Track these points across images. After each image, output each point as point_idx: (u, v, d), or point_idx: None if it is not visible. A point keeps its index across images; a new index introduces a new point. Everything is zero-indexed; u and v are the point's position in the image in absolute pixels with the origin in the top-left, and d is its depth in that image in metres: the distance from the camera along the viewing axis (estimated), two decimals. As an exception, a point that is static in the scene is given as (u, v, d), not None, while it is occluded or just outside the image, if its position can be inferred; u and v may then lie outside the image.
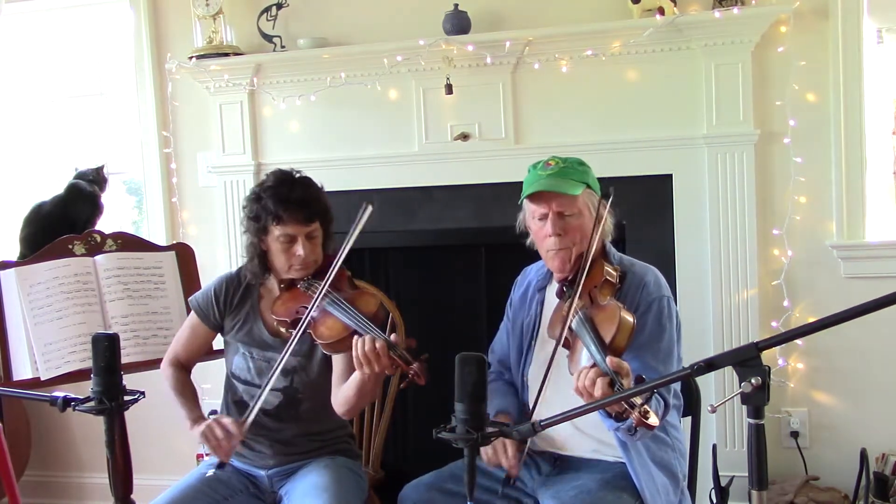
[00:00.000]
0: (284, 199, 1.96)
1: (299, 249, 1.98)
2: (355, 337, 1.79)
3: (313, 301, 1.90)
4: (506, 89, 2.83)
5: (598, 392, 1.51)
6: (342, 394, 1.95)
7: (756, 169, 2.68)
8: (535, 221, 1.92)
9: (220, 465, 1.92)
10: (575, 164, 1.90)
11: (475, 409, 1.31)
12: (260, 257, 2.07)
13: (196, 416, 2.01)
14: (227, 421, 1.90)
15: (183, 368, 2.20)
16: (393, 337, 1.77)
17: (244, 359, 2.11)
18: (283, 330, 1.99)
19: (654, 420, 1.44)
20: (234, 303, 2.14)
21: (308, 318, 1.88)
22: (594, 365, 1.59)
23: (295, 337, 1.89)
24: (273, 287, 2.10)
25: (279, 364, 1.90)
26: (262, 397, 1.91)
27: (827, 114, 2.66)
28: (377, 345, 1.74)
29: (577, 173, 1.88)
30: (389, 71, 2.84)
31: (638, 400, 1.46)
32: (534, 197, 1.89)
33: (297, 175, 2.05)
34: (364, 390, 1.89)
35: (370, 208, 1.92)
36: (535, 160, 1.96)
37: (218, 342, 2.27)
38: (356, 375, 1.86)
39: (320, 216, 2.02)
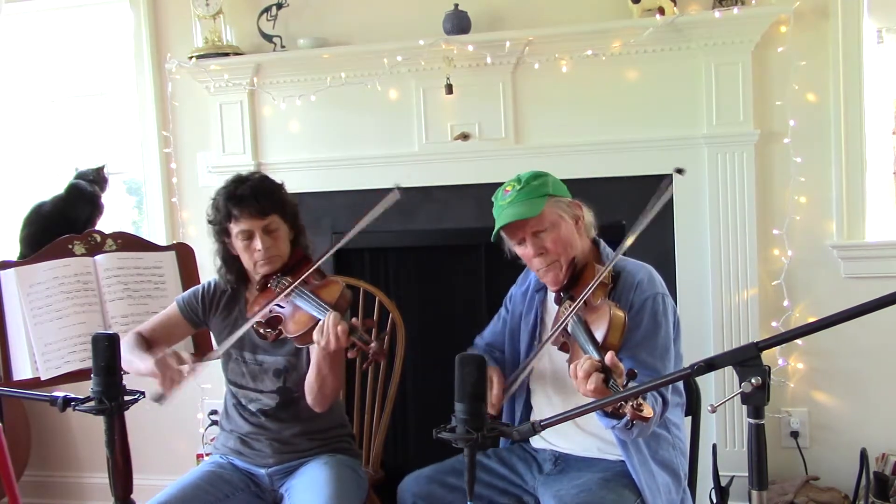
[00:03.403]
0: (234, 195, 1.98)
1: (258, 244, 1.99)
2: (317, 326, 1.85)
3: (280, 293, 1.95)
4: (506, 89, 2.83)
5: (591, 386, 1.52)
6: (307, 381, 2.00)
7: (756, 169, 2.68)
8: (516, 248, 1.94)
9: (158, 398, 1.86)
10: (530, 181, 1.88)
11: (475, 409, 1.31)
12: (230, 263, 2.08)
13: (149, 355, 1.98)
14: (185, 354, 1.92)
15: (144, 340, 2.13)
16: (353, 321, 1.82)
17: (237, 364, 2.13)
18: (261, 330, 2.01)
19: (648, 411, 1.44)
20: (221, 306, 2.15)
21: (271, 305, 1.94)
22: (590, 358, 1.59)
23: (256, 314, 1.95)
24: (255, 290, 2.11)
25: (241, 332, 1.96)
26: (230, 342, 1.97)
27: (827, 114, 2.66)
28: (339, 327, 1.78)
29: (534, 190, 1.87)
30: (389, 71, 2.84)
31: None
32: (504, 230, 1.89)
33: (257, 173, 2.07)
34: (321, 371, 1.93)
35: (396, 193, 1.91)
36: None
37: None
38: (314, 356, 1.92)
39: (277, 209, 2.02)
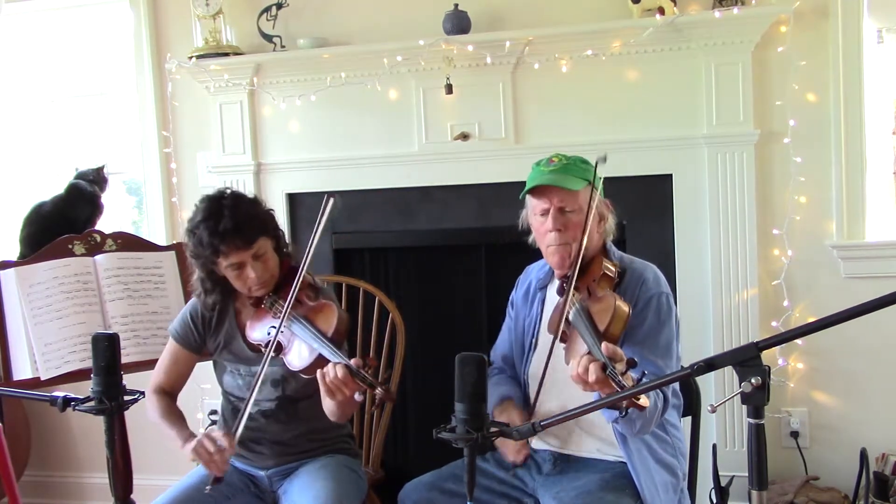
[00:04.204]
0: (217, 230, 1.90)
1: (250, 273, 1.95)
2: (320, 370, 1.78)
3: (278, 324, 1.89)
4: (506, 89, 2.83)
5: (591, 377, 1.52)
6: (327, 409, 1.95)
7: (756, 169, 2.68)
8: (536, 217, 1.93)
9: (216, 480, 1.88)
10: (578, 162, 1.91)
11: (475, 409, 1.31)
12: (217, 284, 2.03)
13: (186, 434, 1.98)
14: (216, 434, 1.88)
15: (167, 395, 2.14)
16: (354, 361, 1.74)
17: (233, 376, 2.11)
18: (262, 350, 1.98)
19: (644, 401, 1.44)
20: (213, 324, 2.11)
21: (276, 337, 1.89)
22: (589, 352, 1.60)
23: (266, 360, 1.89)
24: (247, 302, 2.07)
25: (255, 384, 1.90)
26: (248, 410, 1.90)
27: (827, 114, 2.66)
28: (339, 374, 1.73)
29: (580, 170, 1.89)
30: (389, 71, 2.84)
31: (629, 381, 1.46)
32: (535, 192, 1.90)
33: (227, 195, 1.98)
34: (345, 407, 1.91)
35: (332, 201, 1.85)
36: (535, 160, 1.96)
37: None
38: (332, 399, 1.85)
39: (260, 232, 1.97)
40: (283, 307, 1.90)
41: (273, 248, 2.02)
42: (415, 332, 2.86)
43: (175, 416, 2.08)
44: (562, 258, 1.88)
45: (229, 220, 1.91)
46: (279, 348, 1.93)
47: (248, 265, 1.95)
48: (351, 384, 1.72)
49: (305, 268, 1.89)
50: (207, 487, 1.90)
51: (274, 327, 1.91)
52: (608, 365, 1.50)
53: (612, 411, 1.61)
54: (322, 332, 1.86)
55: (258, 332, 1.99)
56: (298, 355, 1.89)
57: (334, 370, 1.73)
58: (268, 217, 2.04)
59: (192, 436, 1.96)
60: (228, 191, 2.01)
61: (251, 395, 1.90)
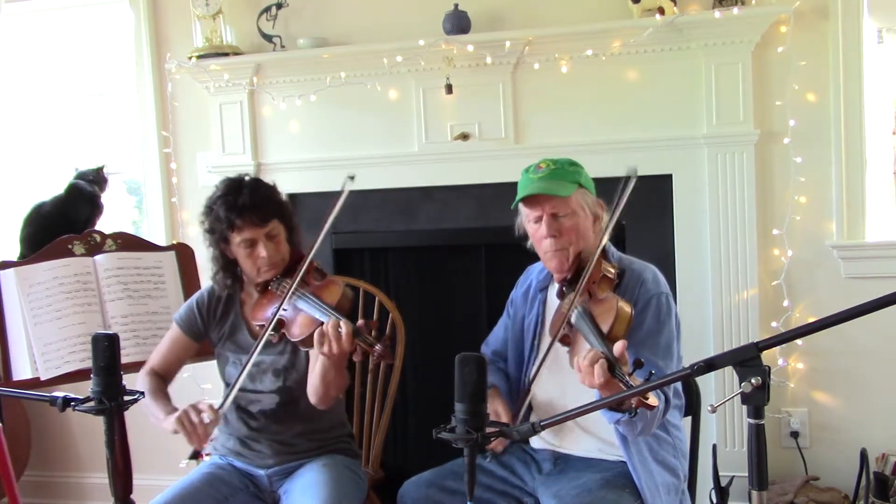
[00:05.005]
0: (234, 205, 1.96)
1: (262, 251, 1.99)
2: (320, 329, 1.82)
3: (283, 298, 1.93)
4: (506, 89, 2.83)
5: (598, 379, 1.52)
6: (310, 382, 1.98)
7: (756, 169, 2.68)
8: (530, 224, 1.93)
9: (194, 455, 1.90)
10: (566, 165, 1.90)
11: (475, 409, 1.31)
12: (227, 267, 2.08)
13: (170, 409, 2.00)
14: (203, 405, 1.90)
15: (159, 377, 2.16)
16: (359, 323, 1.79)
17: (235, 367, 2.11)
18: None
19: (653, 400, 1.44)
20: (219, 314, 2.14)
21: (278, 312, 1.92)
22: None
23: (266, 331, 1.92)
24: (253, 292, 2.10)
25: (251, 356, 1.93)
26: (239, 383, 1.94)
27: (827, 114, 2.66)
28: (343, 329, 1.77)
29: (569, 174, 1.89)
30: (389, 71, 2.84)
31: (636, 381, 1.46)
32: (526, 201, 1.90)
33: (247, 178, 2.05)
34: (327, 377, 1.91)
35: (350, 182, 1.93)
36: (535, 160, 1.96)
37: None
38: (318, 361, 1.89)
39: (276, 214, 2.02)
40: (289, 287, 1.93)
41: (286, 237, 2.05)
42: (415, 331, 2.86)
43: (161, 395, 2.10)
44: (560, 262, 1.89)
45: (248, 196, 1.97)
46: (282, 324, 1.94)
47: (261, 243, 1.98)
48: (349, 341, 1.76)
49: (319, 244, 1.94)
50: (183, 462, 1.93)
51: (281, 307, 1.93)
52: (615, 366, 1.50)
53: (614, 413, 1.61)
54: (327, 304, 1.89)
55: (264, 312, 2.01)
56: (300, 325, 1.91)
57: (336, 322, 1.77)
58: (284, 205, 2.08)
59: (176, 410, 1.96)
60: (248, 176, 2.07)
61: (249, 358, 1.93)
